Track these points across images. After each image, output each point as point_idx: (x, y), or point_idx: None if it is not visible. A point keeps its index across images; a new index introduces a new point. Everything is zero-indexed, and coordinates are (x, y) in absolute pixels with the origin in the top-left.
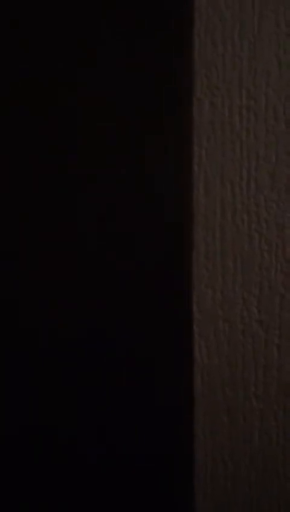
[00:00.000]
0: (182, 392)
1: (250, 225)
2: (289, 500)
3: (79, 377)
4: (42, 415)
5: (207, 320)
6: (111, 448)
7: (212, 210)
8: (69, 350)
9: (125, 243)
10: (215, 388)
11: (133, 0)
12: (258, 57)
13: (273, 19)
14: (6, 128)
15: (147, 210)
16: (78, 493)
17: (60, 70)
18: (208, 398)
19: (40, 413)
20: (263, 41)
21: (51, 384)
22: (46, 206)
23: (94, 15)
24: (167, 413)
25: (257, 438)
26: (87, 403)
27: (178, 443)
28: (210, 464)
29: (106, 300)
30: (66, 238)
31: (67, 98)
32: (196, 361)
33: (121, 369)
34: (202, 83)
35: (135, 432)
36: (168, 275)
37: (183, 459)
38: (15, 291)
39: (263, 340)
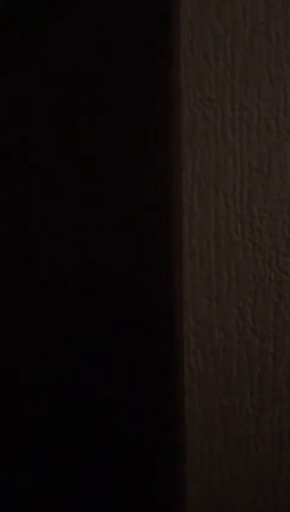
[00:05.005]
0: (178, 401)
1: (244, 235)
2: (283, 507)
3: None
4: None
5: (203, 328)
6: (104, 455)
7: (206, 220)
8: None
9: (119, 254)
10: (211, 396)
11: (123, 12)
12: (249, 69)
13: (264, 32)
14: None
15: (142, 221)
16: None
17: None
18: (204, 406)
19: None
20: (254, 54)
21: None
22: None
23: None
24: (163, 421)
25: (253, 445)
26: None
27: (174, 451)
28: (206, 471)
29: (94, 311)
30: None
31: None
32: (192, 370)
33: (116, 372)
34: (195, 95)
35: (131, 439)
36: (161, 284)
37: (178, 467)
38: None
39: (257, 348)
